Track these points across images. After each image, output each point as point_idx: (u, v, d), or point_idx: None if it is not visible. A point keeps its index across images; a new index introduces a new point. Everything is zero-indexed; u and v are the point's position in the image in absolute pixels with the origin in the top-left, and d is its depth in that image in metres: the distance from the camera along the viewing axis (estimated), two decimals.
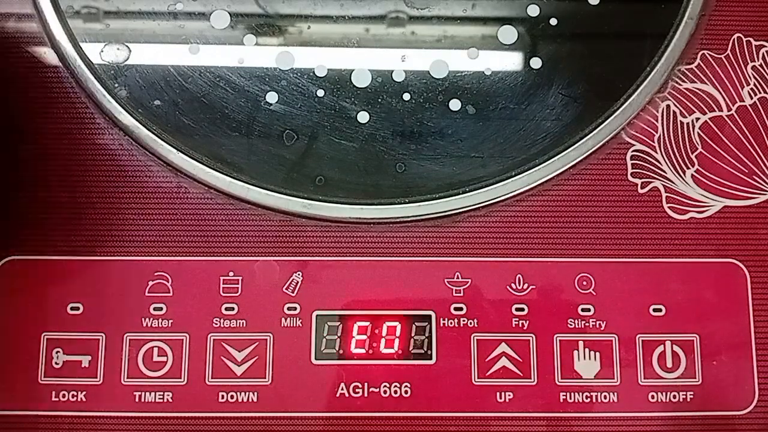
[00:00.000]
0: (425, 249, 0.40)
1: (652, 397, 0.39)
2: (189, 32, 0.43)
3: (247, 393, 0.38)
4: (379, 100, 0.42)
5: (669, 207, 0.41)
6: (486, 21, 0.44)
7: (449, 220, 0.41)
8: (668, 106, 0.42)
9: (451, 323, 0.39)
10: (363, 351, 0.39)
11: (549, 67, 0.42)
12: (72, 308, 0.39)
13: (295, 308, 0.39)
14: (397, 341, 0.39)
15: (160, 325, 0.39)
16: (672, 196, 0.41)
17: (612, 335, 0.39)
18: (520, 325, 0.39)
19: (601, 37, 0.43)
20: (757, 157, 0.42)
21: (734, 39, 0.43)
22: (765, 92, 0.43)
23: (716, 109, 0.43)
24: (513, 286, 0.40)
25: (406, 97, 0.42)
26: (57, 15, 0.42)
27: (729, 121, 0.42)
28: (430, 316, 0.39)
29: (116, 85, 0.41)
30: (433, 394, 0.39)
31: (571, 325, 0.40)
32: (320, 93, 0.42)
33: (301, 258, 0.40)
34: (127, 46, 0.42)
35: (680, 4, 0.43)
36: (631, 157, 0.42)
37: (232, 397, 0.38)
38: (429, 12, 0.43)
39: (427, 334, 0.39)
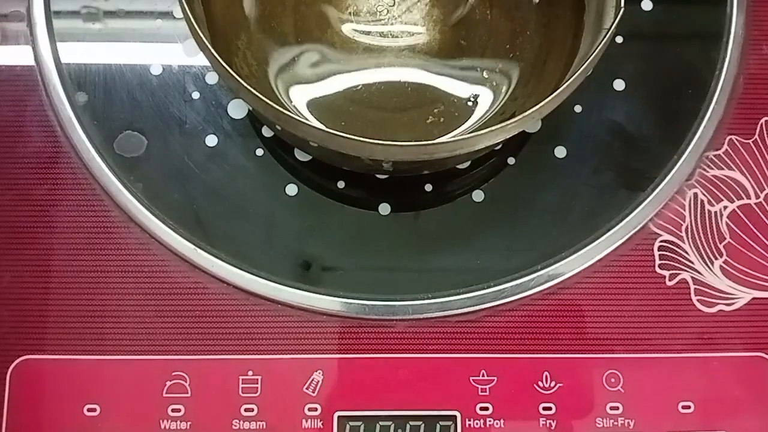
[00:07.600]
0: (449, 346, 0.39)
1: None
2: (207, 120, 0.42)
3: None
4: (401, 190, 0.41)
5: (697, 299, 0.40)
6: None
7: (474, 315, 0.40)
8: (695, 195, 0.42)
9: (477, 424, 0.38)
10: None
11: (574, 156, 0.42)
12: (89, 410, 0.38)
13: (316, 409, 0.38)
14: None
15: (178, 427, 0.38)
16: (700, 288, 0.40)
17: None
18: (548, 425, 0.38)
19: (627, 124, 0.42)
20: None
21: (762, 123, 0.43)
22: None
23: (744, 196, 0.42)
24: (540, 384, 0.39)
25: (428, 188, 0.41)
26: (68, 99, 0.42)
27: (757, 209, 0.42)
28: (455, 416, 0.38)
29: (131, 177, 0.40)
30: None
31: (599, 424, 0.39)
32: (340, 185, 0.41)
33: (321, 356, 0.39)
34: (142, 135, 0.41)
35: (707, 88, 0.43)
36: (659, 248, 0.41)
37: None
38: None
39: None
